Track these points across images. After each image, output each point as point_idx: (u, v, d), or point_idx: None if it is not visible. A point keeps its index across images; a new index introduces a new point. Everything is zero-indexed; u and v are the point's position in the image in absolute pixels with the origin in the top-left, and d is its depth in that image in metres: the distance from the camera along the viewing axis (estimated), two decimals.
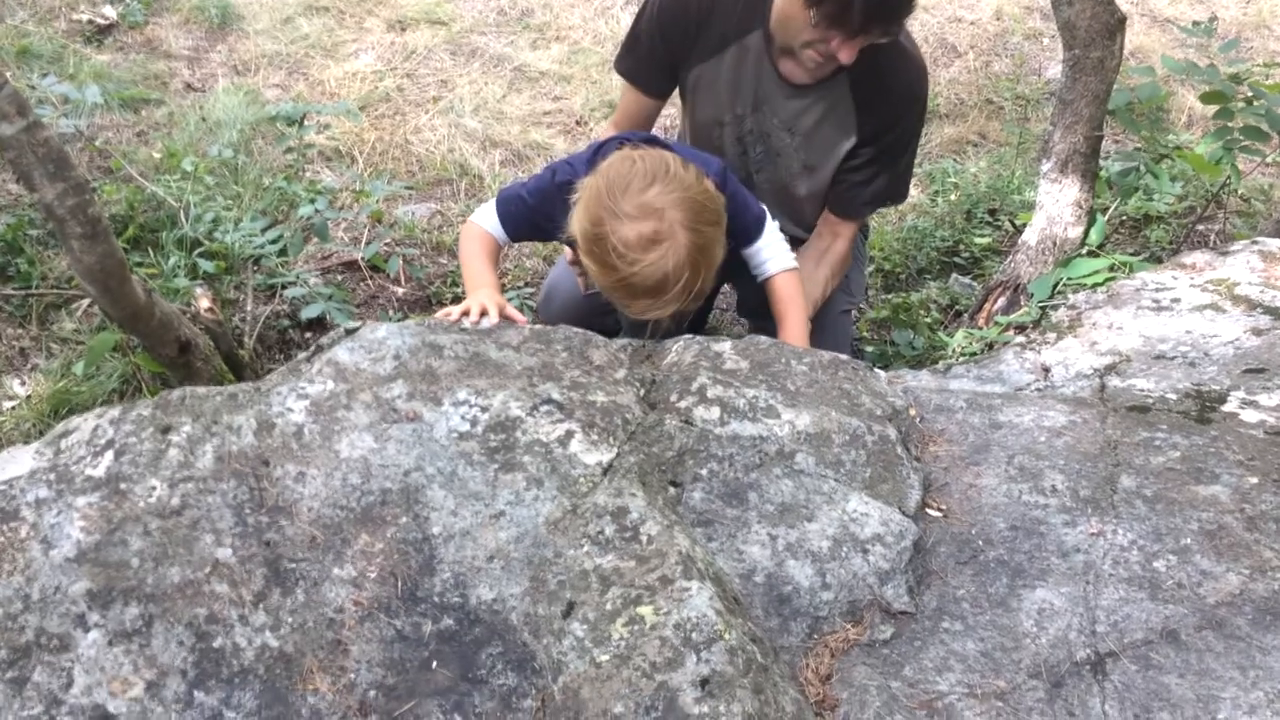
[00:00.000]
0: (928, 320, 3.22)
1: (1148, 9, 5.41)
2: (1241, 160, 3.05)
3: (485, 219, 2.05)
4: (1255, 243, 2.46)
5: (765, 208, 2.12)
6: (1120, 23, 2.62)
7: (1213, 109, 2.94)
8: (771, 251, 2.12)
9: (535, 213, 2.00)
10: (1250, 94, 2.89)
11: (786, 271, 2.13)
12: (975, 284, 3.42)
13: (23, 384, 2.78)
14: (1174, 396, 1.81)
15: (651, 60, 2.38)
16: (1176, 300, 2.18)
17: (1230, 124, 2.89)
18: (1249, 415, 1.74)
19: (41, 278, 2.93)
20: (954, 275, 3.52)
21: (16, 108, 1.93)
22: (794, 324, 2.11)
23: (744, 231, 2.08)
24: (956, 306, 3.31)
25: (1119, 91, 2.87)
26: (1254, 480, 1.55)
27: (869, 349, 3.13)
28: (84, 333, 2.85)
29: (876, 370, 1.88)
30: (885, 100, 2.24)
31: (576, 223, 1.82)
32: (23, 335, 2.88)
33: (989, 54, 4.92)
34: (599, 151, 1.97)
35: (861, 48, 2.07)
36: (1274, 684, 1.27)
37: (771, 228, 2.12)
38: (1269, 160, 3.85)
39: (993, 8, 5.18)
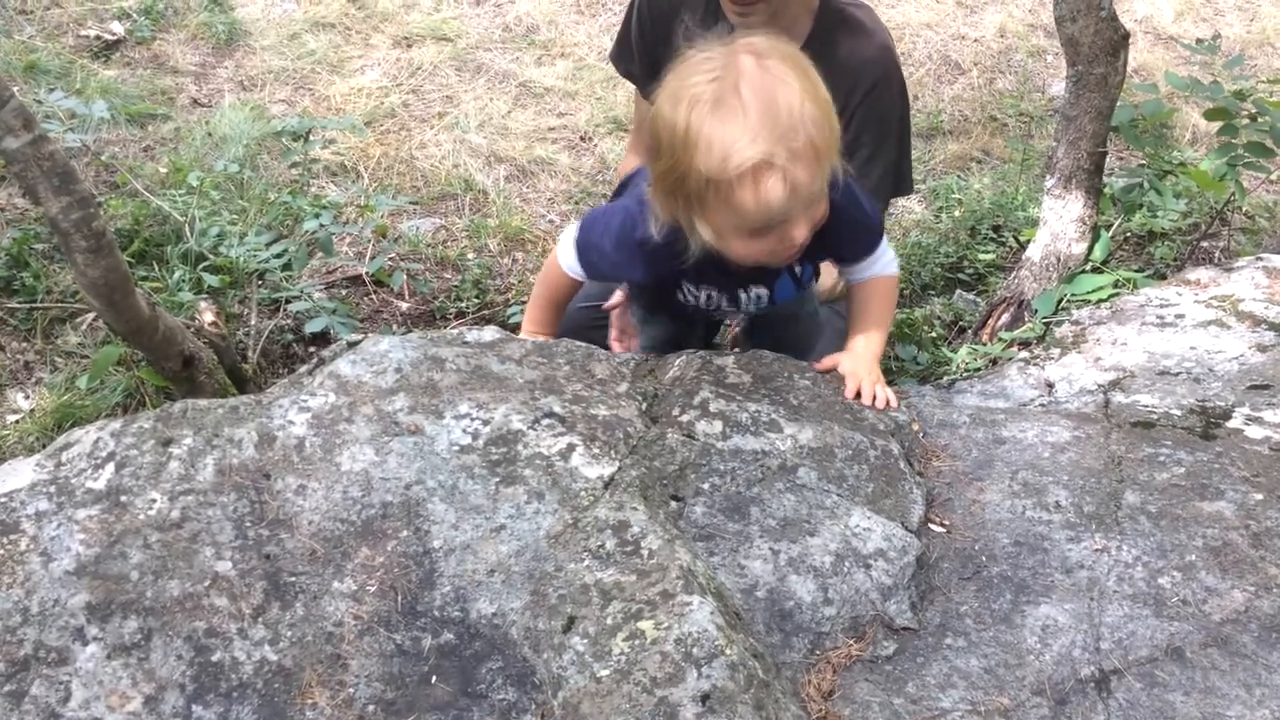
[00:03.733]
0: (932, 336, 3.21)
1: (1152, 26, 5.41)
2: (1246, 176, 3.04)
3: (567, 258, 1.86)
4: (1260, 259, 2.45)
5: (885, 241, 1.83)
6: (1124, 39, 2.62)
7: (1217, 125, 2.94)
8: (871, 266, 1.84)
9: (617, 267, 1.82)
10: (1254, 110, 2.89)
11: (881, 277, 1.85)
12: (979, 300, 3.41)
13: (27, 397, 2.78)
14: (1178, 412, 1.80)
15: (640, 55, 2.39)
16: (1181, 316, 2.18)
17: (1234, 140, 2.89)
18: (1254, 431, 1.73)
19: (47, 291, 2.94)
20: (958, 291, 3.51)
21: (22, 121, 1.94)
22: (866, 333, 1.84)
23: (853, 244, 1.80)
24: (961, 322, 3.31)
25: (1123, 108, 2.87)
26: (1259, 496, 1.54)
27: None
28: (89, 347, 2.86)
29: None
30: (843, 75, 2.15)
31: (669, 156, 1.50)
32: (27, 349, 2.89)
33: (993, 71, 4.93)
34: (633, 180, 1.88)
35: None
36: None
37: (876, 255, 1.82)
38: (1274, 177, 3.84)
39: (996, 25, 5.19)
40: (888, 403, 1.75)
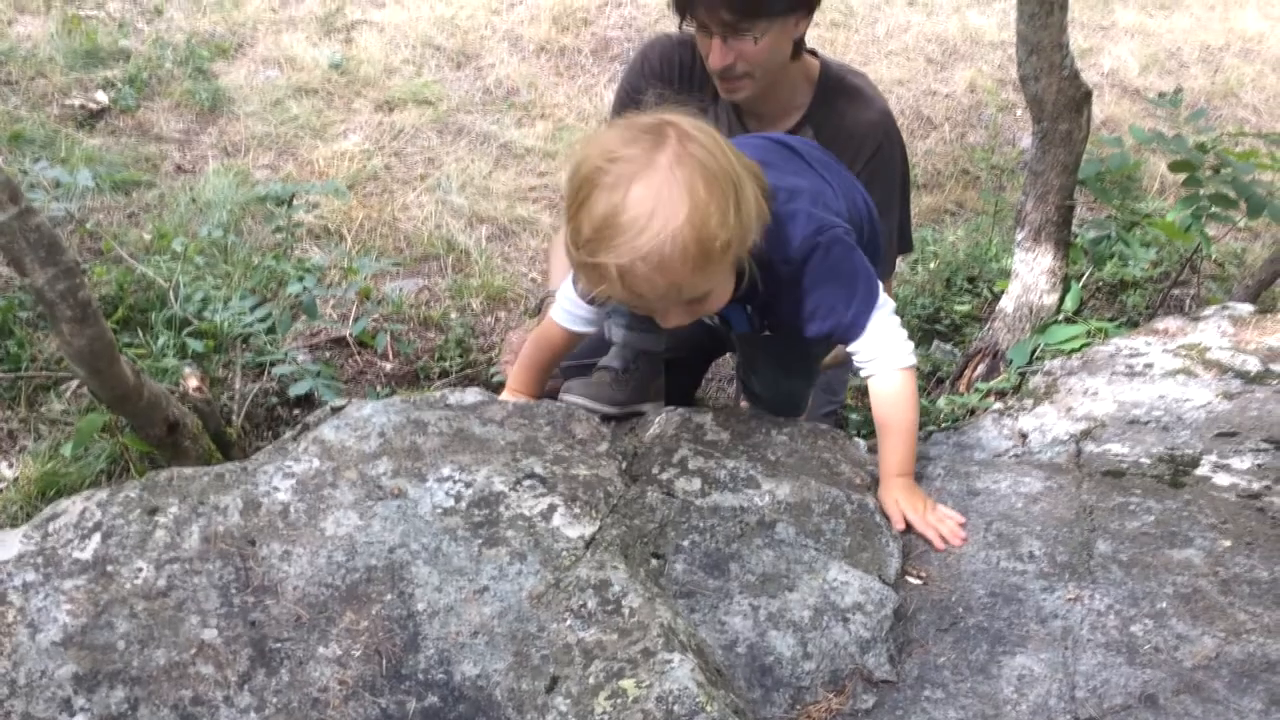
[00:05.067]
0: None
1: (1118, 80, 5.55)
2: (1212, 226, 3.12)
3: (561, 305, 1.84)
4: (1226, 307, 2.51)
5: (882, 294, 1.68)
6: (1086, 96, 2.70)
7: (1183, 176, 3.01)
8: (872, 351, 1.68)
9: None
10: (1217, 162, 2.97)
11: (889, 373, 1.69)
12: (956, 350, 3.46)
13: (10, 466, 2.79)
14: (1148, 461, 1.84)
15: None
16: (1150, 365, 2.22)
17: (1199, 191, 2.96)
18: (1221, 479, 1.77)
19: (31, 360, 2.96)
20: (935, 342, 3.56)
21: (9, 194, 1.97)
22: (890, 449, 1.70)
23: (838, 332, 1.68)
24: (939, 373, 3.35)
25: (1089, 161, 2.95)
26: (1227, 543, 1.58)
27: (853, 415, 3.16)
28: (72, 414, 2.87)
29: (856, 439, 1.90)
30: (847, 141, 2.25)
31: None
32: (11, 417, 2.89)
33: (964, 125, 5.03)
34: None
35: (747, 55, 2.11)
36: None
37: (878, 323, 1.67)
38: (1241, 225, 3.93)
39: (966, 81, 5.31)
40: (953, 532, 1.64)
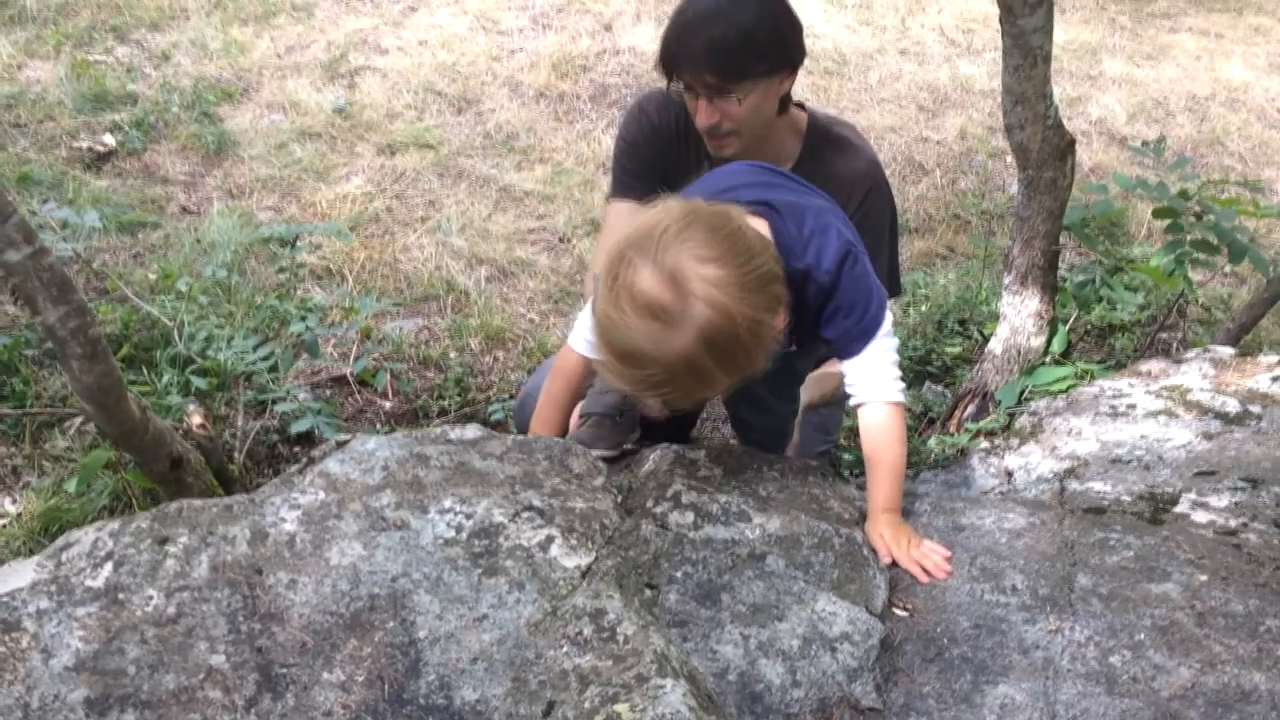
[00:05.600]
0: None
1: (1106, 128, 5.66)
2: (1195, 271, 3.19)
3: (578, 335, 1.87)
4: (1207, 350, 2.58)
5: (889, 323, 1.74)
6: (1070, 145, 2.78)
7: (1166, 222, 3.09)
8: (863, 378, 1.73)
9: None
10: (1199, 209, 3.05)
11: (875, 405, 1.73)
12: (947, 391, 3.52)
13: (14, 502, 2.83)
14: (1128, 498, 1.89)
15: (650, 164, 2.45)
16: (1132, 406, 2.28)
17: (1181, 238, 3.03)
18: (1199, 516, 1.82)
19: (36, 396, 3.01)
20: (927, 383, 3.62)
21: (23, 235, 2.04)
22: (877, 484, 1.74)
23: (842, 339, 1.73)
24: (930, 413, 3.41)
25: (1075, 208, 3.03)
26: (1203, 578, 1.63)
27: (846, 455, 3.22)
28: (76, 450, 2.91)
29: (846, 475, 1.96)
30: (836, 191, 2.26)
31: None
32: (15, 454, 2.94)
33: (955, 172, 5.13)
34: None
35: (732, 115, 2.16)
36: None
37: (878, 349, 1.72)
38: (1225, 270, 4.01)
39: (957, 128, 5.42)
40: (937, 566, 1.68)
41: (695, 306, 1.45)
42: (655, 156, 2.43)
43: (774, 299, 1.54)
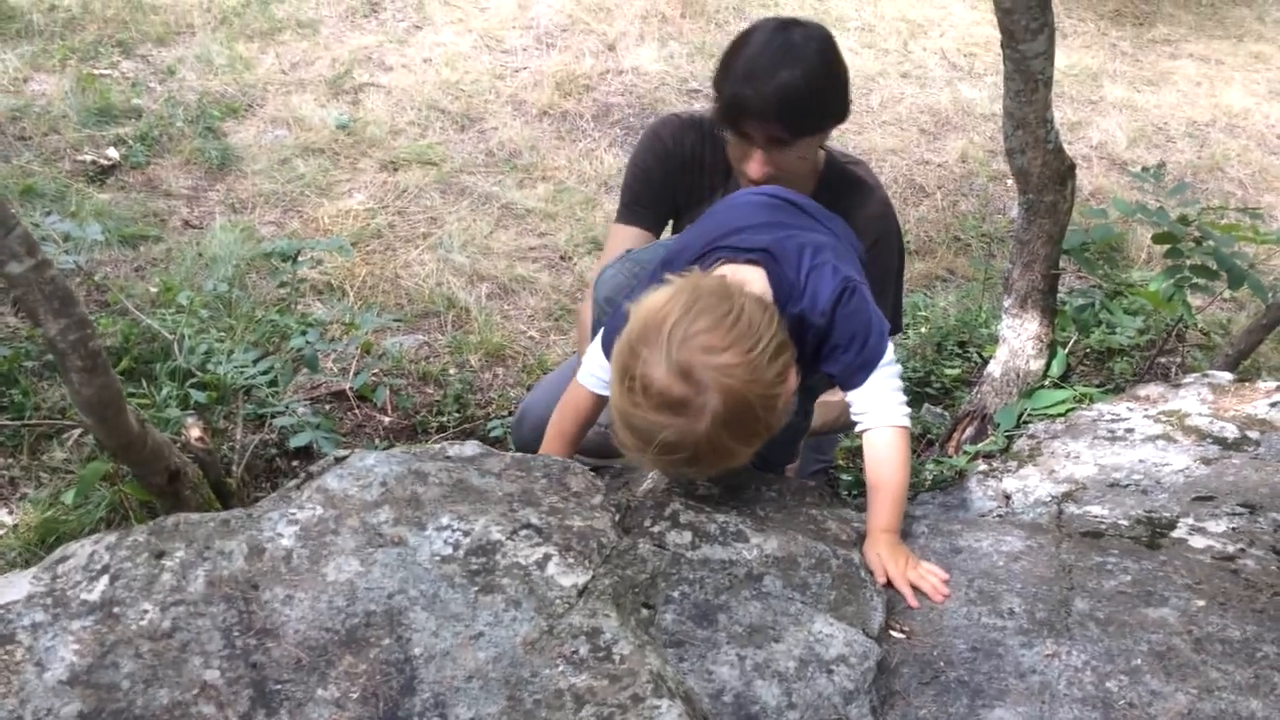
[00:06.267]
0: None
1: (1106, 153, 5.68)
2: (1199, 296, 3.20)
3: (588, 369, 1.88)
4: (1206, 375, 2.58)
5: (890, 351, 1.76)
6: (1070, 169, 2.79)
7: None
8: (869, 405, 1.75)
9: None
10: (1199, 235, 3.06)
11: (881, 429, 1.75)
12: (946, 413, 3.52)
13: (10, 513, 2.82)
14: (1126, 523, 1.89)
15: (661, 190, 2.46)
16: (1131, 430, 2.28)
17: (1180, 263, 3.04)
18: (1197, 541, 1.82)
19: (35, 408, 3.01)
20: (926, 405, 3.63)
21: (26, 248, 2.04)
22: (878, 506, 1.74)
23: (843, 373, 1.76)
24: (929, 435, 3.41)
25: (1075, 232, 3.03)
26: (1201, 603, 1.62)
27: (845, 476, 3.21)
28: (74, 462, 2.91)
29: (845, 497, 1.96)
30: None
31: (629, 322, 1.62)
32: (13, 465, 2.94)
33: (955, 194, 5.15)
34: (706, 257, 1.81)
35: (784, 166, 2.16)
36: None
37: (880, 377, 1.75)
38: (1225, 295, 4.01)
39: (958, 151, 5.44)
40: (935, 588, 1.68)
41: (710, 397, 1.53)
42: (666, 182, 2.44)
43: (783, 367, 1.60)
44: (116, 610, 1.42)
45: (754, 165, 2.17)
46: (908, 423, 1.76)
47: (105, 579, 1.46)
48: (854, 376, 1.75)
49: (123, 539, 1.52)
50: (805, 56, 2.09)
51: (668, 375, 1.53)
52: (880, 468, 1.76)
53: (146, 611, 1.42)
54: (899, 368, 1.78)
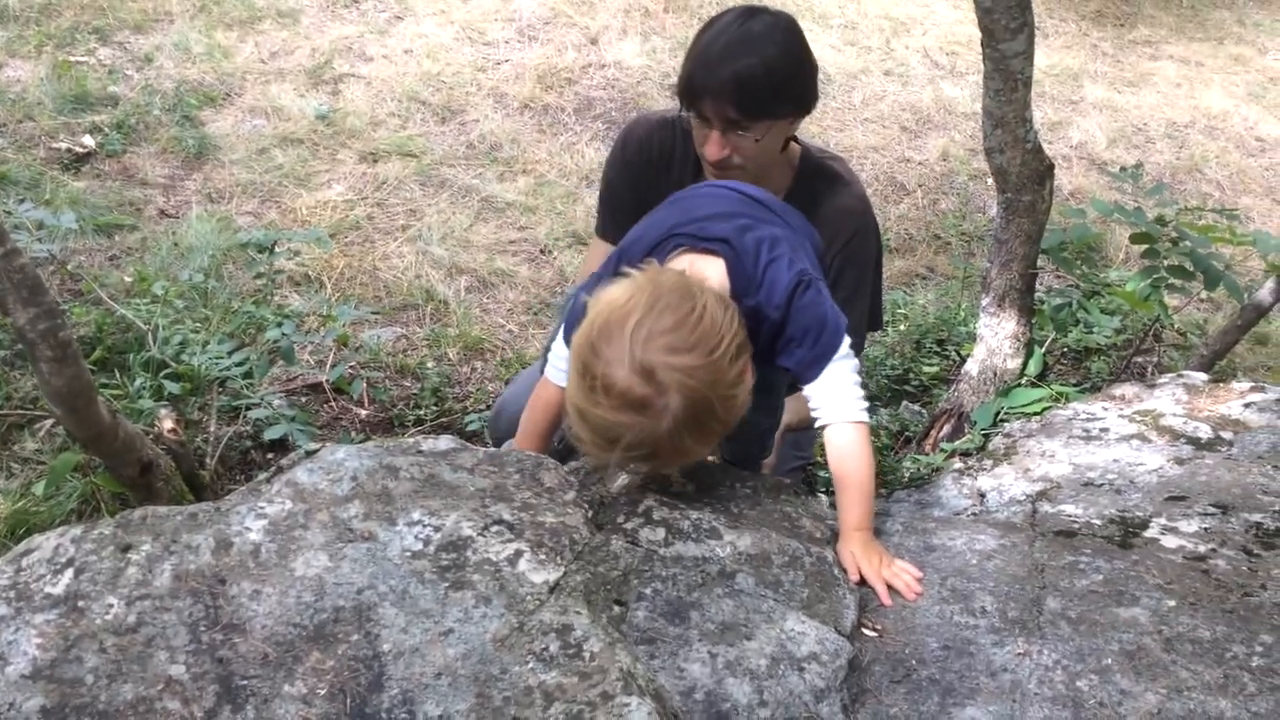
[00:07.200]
0: (878, 446, 3.31)
1: (1086, 153, 5.71)
2: (1176, 296, 3.21)
3: (554, 364, 1.86)
4: (1181, 376, 2.59)
5: (846, 345, 1.75)
6: (1049, 169, 2.79)
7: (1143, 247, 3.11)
8: (826, 399, 1.74)
9: None
10: (1175, 235, 3.07)
11: (840, 425, 1.74)
12: (923, 411, 3.53)
13: None
14: (1099, 522, 1.90)
15: (627, 203, 2.44)
16: (1105, 430, 2.29)
17: (1157, 263, 3.05)
18: (1169, 541, 1.82)
19: (6, 398, 2.97)
20: (904, 403, 3.63)
21: None
22: (847, 504, 1.74)
23: (798, 366, 1.76)
24: (907, 432, 3.41)
25: (1053, 231, 3.04)
26: (1172, 603, 1.63)
27: (822, 473, 3.21)
28: (45, 453, 2.88)
29: (820, 495, 1.95)
30: (824, 225, 2.28)
31: (588, 316, 1.60)
32: None
33: (936, 192, 5.16)
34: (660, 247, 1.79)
35: (742, 151, 2.15)
36: None
37: (836, 370, 1.74)
38: (1202, 295, 4.04)
39: (939, 149, 5.45)
40: (908, 585, 1.68)
41: (672, 398, 1.52)
42: (634, 191, 2.43)
43: (743, 367, 1.60)
44: (81, 604, 1.41)
45: (711, 147, 2.17)
46: (866, 418, 1.76)
47: (70, 572, 1.44)
48: (809, 370, 1.75)
49: (88, 532, 1.50)
50: (765, 40, 2.10)
51: (630, 375, 1.52)
52: (844, 464, 1.75)
53: (111, 605, 1.41)
54: (856, 362, 1.77)
